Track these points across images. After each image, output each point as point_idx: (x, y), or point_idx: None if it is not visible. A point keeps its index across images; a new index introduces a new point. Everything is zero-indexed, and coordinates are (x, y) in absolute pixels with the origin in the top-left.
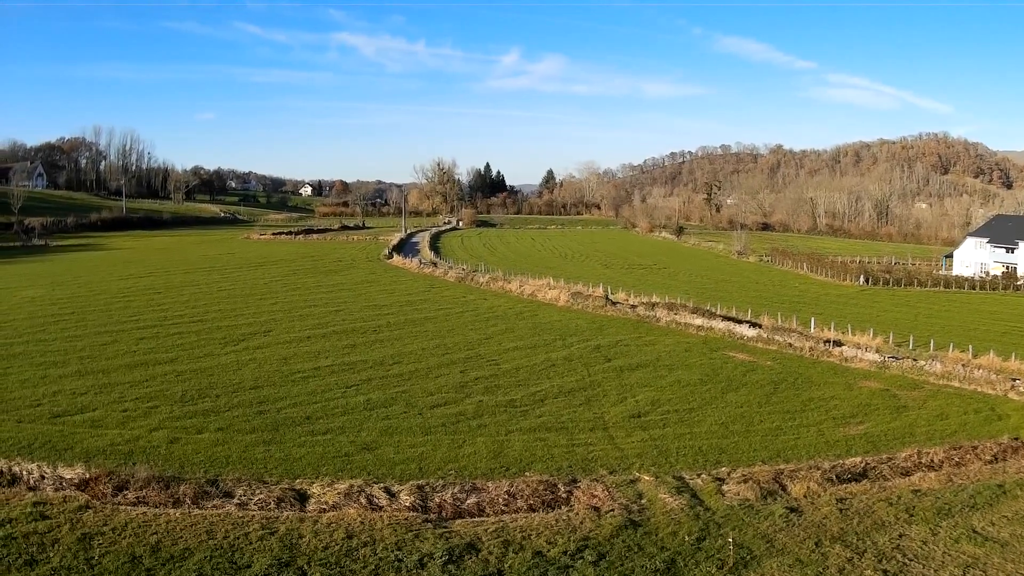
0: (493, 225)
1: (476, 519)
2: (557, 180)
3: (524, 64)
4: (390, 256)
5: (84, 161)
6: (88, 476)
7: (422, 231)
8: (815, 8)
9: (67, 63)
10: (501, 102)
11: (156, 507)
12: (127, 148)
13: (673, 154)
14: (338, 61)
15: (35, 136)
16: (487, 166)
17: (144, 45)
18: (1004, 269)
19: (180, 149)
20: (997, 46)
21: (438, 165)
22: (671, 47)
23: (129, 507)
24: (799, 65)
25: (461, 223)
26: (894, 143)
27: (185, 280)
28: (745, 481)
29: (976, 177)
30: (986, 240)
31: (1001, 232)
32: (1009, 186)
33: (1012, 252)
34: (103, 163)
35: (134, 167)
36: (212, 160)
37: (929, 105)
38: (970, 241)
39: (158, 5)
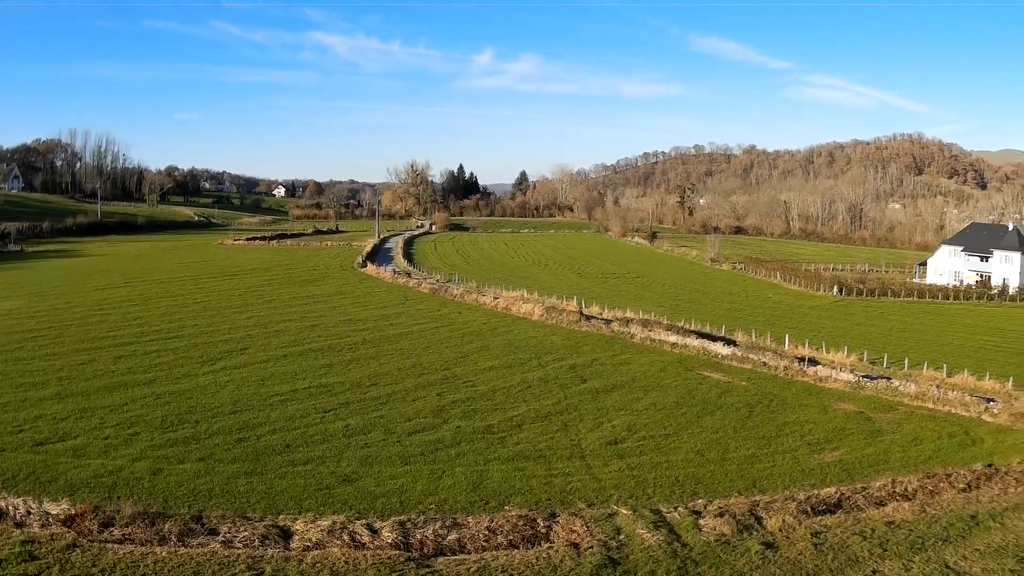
0: (466, 229)
1: (458, 557)
2: (530, 181)
3: (499, 64)
4: (364, 264)
5: (60, 163)
6: (74, 512)
7: (396, 235)
8: (793, 8)
9: (44, 62)
10: (476, 102)
11: (142, 545)
12: (102, 149)
13: (646, 154)
14: (315, 60)
15: (11, 137)
16: (460, 167)
17: (123, 44)
18: (979, 278)
19: (155, 149)
20: (973, 46)
21: (411, 166)
22: (647, 47)
23: (116, 545)
24: (775, 65)
25: (434, 227)
26: (868, 144)
27: (161, 291)
28: (721, 515)
29: (950, 178)
30: (960, 248)
31: (976, 240)
32: (983, 187)
33: (986, 260)
34: (78, 164)
35: (109, 168)
36: (186, 160)
37: (905, 105)
38: (944, 249)
39: (138, 4)
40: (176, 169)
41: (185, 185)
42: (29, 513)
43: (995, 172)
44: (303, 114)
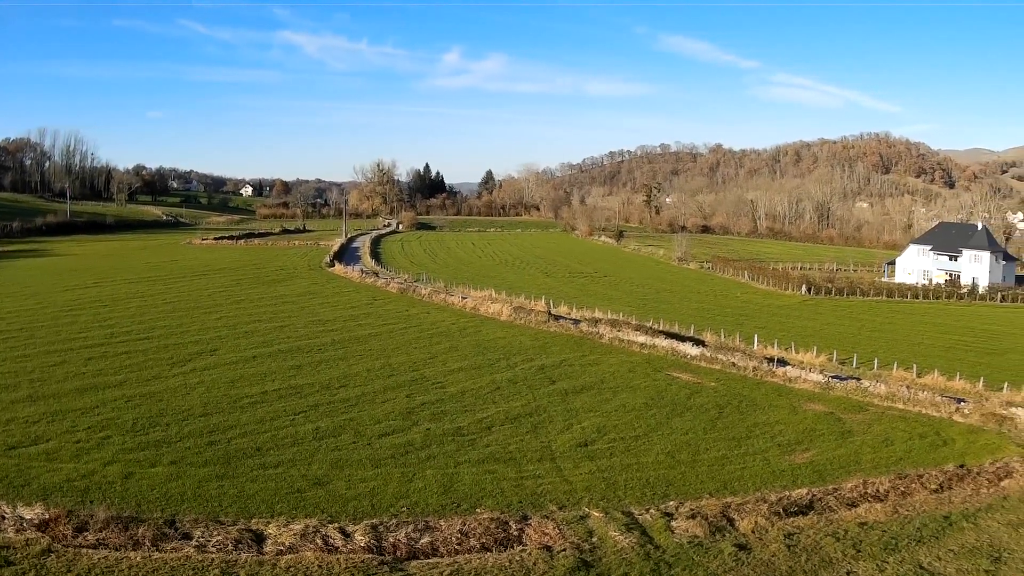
0: (433, 228)
1: (431, 560)
2: (496, 180)
3: (467, 63)
4: (331, 264)
5: (29, 162)
6: (48, 516)
7: (363, 235)
8: (761, 7)
9: (12, 61)
10: (443, 101)
11: (116, 549)
12: (71, 149)
13: (612, 153)
14: (282, 59)
15: None
16: (426, 167)
17: (90, 42)
18: (948, 277)
19: (123, 148)
20: (941, 46)
21: (378, 166)
22: (614, 46)
23: (90, 550)
24: (743, 64)
25: (401, 226)
26: (835, 143)
27: (130, 291)
28: (693, 516)
29: (918, 177)
30: (929, 248)
31: (944, 239)
32: (951, 186)
33: (956, 260)
34: (47, 164)
35: (78, 168)
36: (154, 158)
37: (872, 104)
38: (913, 248)
39: (106, 2)
40: (144, 168)
41: (153, 184)
42: (3, 518)
43: (963, 171)
44: (270, 113)
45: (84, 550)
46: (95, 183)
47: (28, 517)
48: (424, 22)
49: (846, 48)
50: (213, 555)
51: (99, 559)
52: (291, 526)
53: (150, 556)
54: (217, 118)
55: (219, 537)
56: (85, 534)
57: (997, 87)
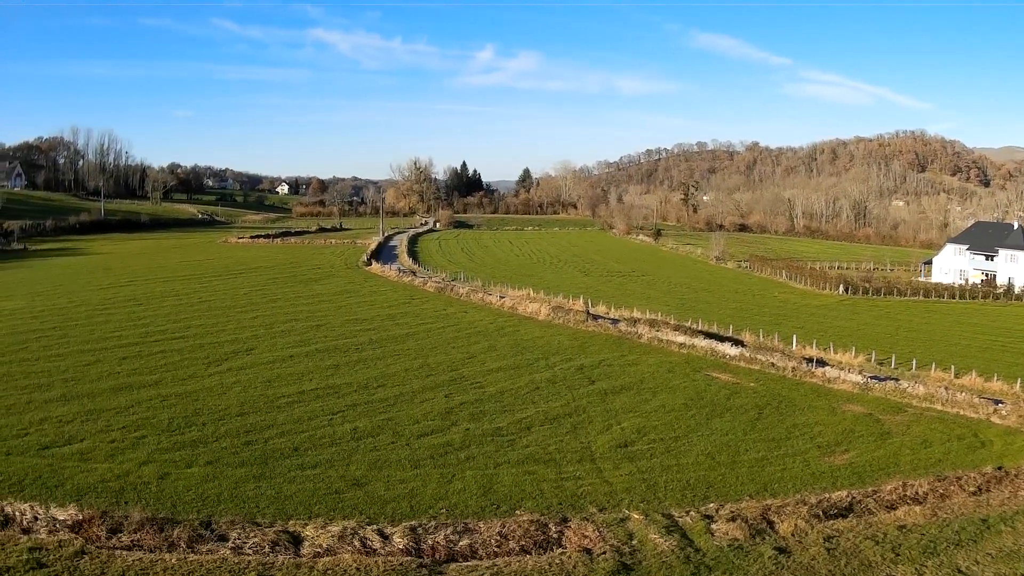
0: (470, 226)
1: (470, 563)
2: (533, 179)
3: (499, 61)
4: (369, 263)
5: (62, 161)
6: (81, 517)
7: (400, 233)
8: (790, 5)
9: (44, 60)
10: (476, 99)
11: (151, 551)
12: (104, 147)
13: (649, 151)
14: (314, 58)
15: (13, 135)
16: (463, 165)
17: (121, 42)
18: (984, 277)
19: (157, 147)
20: (974, 43)
21: (414, 164)
22: (645, 44)
23: (124, 551)
24: (774, 61)
25: (438, 224)
26: (871, 141)
27: (165, 289)
28: (733, 519)
29: (953, 175)
30: (966, 247)
31: (981, 239)
32: (987, 184)
33: (992, 259)
34: (81, 162)
35: (111, 166)
36: (188, 157)
37: (905, 102)
38: (950, 247)
39: (136, 2)
40: (179, 166)
41: (188, 182)
42: (36, 519)
43: (998, 169)
44: (305, 112)
45: (118, 552)
46: (129, 181)
47: (61, 518)
48: (457, 21)
49: (874, 45)
50: (250, 557)
51: (133, 561)
52: (329, 528)
53: (185, 558)
54: (251, 116)
55: (256, 539)
56: (119, 535)
57: None
